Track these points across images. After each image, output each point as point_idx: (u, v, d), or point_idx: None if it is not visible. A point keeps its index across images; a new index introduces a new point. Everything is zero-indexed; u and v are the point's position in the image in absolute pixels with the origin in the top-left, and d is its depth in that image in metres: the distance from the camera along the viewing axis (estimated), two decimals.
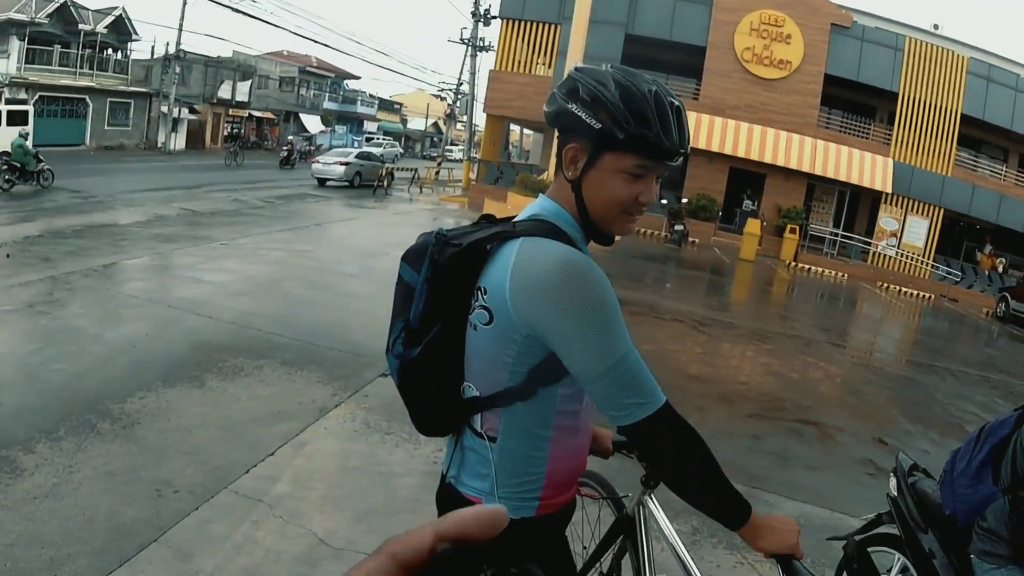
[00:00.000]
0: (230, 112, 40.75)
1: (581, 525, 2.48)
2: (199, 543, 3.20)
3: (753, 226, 21.15)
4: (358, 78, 57.37)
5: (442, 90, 45.68)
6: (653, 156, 1.54)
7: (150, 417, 4.29)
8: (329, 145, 43.65)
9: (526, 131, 44.07)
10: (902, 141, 24.67)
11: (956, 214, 25.45)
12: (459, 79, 39.16)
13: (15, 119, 21.99)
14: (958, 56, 24.65)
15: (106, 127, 31.91)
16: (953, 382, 9.88)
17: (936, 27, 28.10)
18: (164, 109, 33.53)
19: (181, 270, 8.94)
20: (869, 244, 25.25)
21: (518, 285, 1.54)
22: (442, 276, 1.63)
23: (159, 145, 33.53)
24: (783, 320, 12.98)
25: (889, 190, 24.39)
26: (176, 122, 34.50)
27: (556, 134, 1.62)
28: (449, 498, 1.84)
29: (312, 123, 48.91)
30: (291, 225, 14.34)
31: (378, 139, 51.91)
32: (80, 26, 30.19)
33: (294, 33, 71.56)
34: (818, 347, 10.35)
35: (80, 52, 30.58)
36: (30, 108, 24.17)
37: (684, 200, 23.30)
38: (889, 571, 3.35)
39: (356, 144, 42.88)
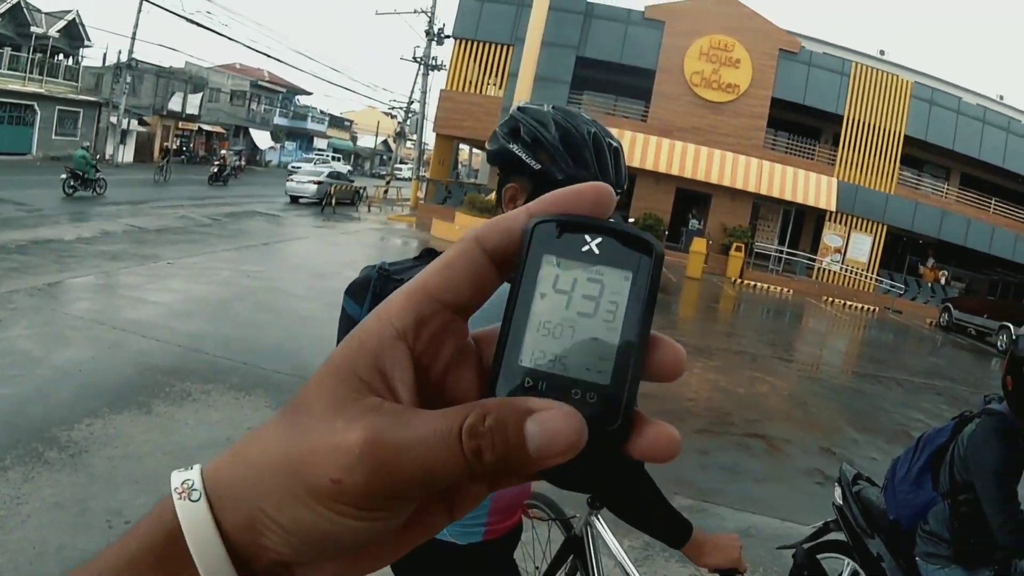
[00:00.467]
0: (179, 125, 39.95)
1: (532, 545, 2.52)
2: None
3: (699, 245, 21.57)
4: (310, 94, 57.04)
5: (393, 108, 45.74)
6: None
7: (98, 444, 4.21)
8: (278, 162, 43.24)
9: (475, 151, 44.21)
10: (846, 161, 25.50)
11: (899, 230, 26.35)
12: (410, 97, 39.12)
13: None
14: (902, 80, 25.68)
15: (54, 136, 30.67)
16: (899, 391, 10.17)
17: (882, 52, 29.28)
18: (113, 120, 32.56)
19: (127, 290, 8.77)
20: (814, 260, 25.99)
21: None
22: None
23: (107, 157, 32.22)
24: (729, 336, 13.20)
25: (833, 208, 25.15)
26: (125, 134, 33.63)
27: (497, 171, 1.65)
28: None
29: (262, 138, 48.42)
30: (239, 244, 14.14)
31: (327, 156, 51.51)
32: (32, 29, 29.21)
33: (247, 47, 70.58)
34: (764, 361, 10.56)
35: (30, 56, 29.40)
36: None
37: (631, 220, 23.58)
38: None
39: (302, 161, 42.81)
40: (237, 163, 33.77)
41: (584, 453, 0.32)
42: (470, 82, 27.36)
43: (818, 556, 3.43)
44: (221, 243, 13.81)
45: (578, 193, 0.37)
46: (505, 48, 26.11)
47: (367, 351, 0.34)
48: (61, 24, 31.01)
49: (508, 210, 1.63)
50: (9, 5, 27.92)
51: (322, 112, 60.77)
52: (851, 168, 25.49)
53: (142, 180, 25.22)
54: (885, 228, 25.74)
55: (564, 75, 24.69)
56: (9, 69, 28.36)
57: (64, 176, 18.40)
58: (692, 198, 25.76)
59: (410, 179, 36.92)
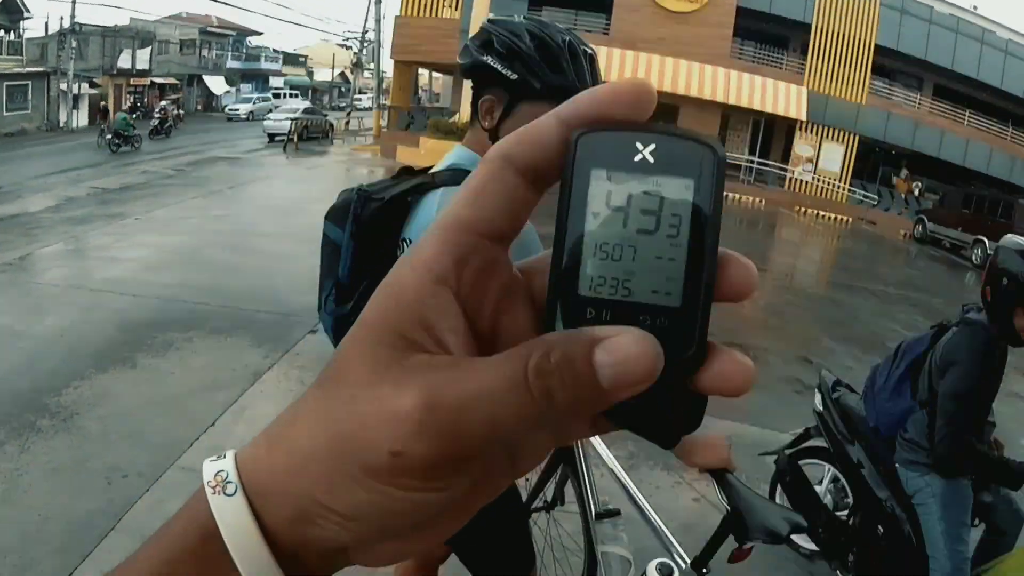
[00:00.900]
0: (131, 82, 38.74)
1: None
2: (155, 525, 3.17)
3: None
4: (260, 34, 55.42)
5: (347, 39, 44.47)
6: None
7: (88, 406, 4.21)
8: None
9: (435, 74, 43.27)
10: (816, 71, 25.15)
11: (872, 140, 26.22)
12: (364, 27, 38.13)
13: None
14: None
15: (4, 113, 29.59)
16: (874, 301, 10.31)
17: None
18: (63, 86, 31.61)
19: (98, 251, 8.62)
20: (785, 170, 25.87)
21: None
22: (366, 231, 1.63)
23: (61, 124, 31.50)
24: None
25: (804, 118, 24.94)
26: (77, 98, 32.62)
27: (471, 85, 1.62)
28: None
29: (216, 84, 47.14)
30: (205, 191, 13.94)
31: (284, 94, 50.16)
32: None
33: None
34: None
35: None
36: None
37: None
38: (820, 482, 3.55)
39: (258, 100, 42.67)
40: (176, 112, 32.74)
41: (659, 384, 0.30)
42: (424, 6, 26.64)
43: (799, 462, 3.51)
44: (187, 192, 13.58)
45: (615, 93, 0.32)
46: None
47: (406, 305, 0.30)
48: None
49: (486, 123, 1.61)
50: None
51: (275, 51, 59.06)
52: (821, 78, 25.16)
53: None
54: (857, 138, 25.60)
55: None
56: None
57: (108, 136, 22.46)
58: (659, 110, 24.81)
59: (370, 109, 36.34)
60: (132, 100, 38.17)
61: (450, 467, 0.29)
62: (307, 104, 32.92)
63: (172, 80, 42.61)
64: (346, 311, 1.69)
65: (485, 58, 1.55)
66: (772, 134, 27.45)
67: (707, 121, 24.73)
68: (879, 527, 2.98)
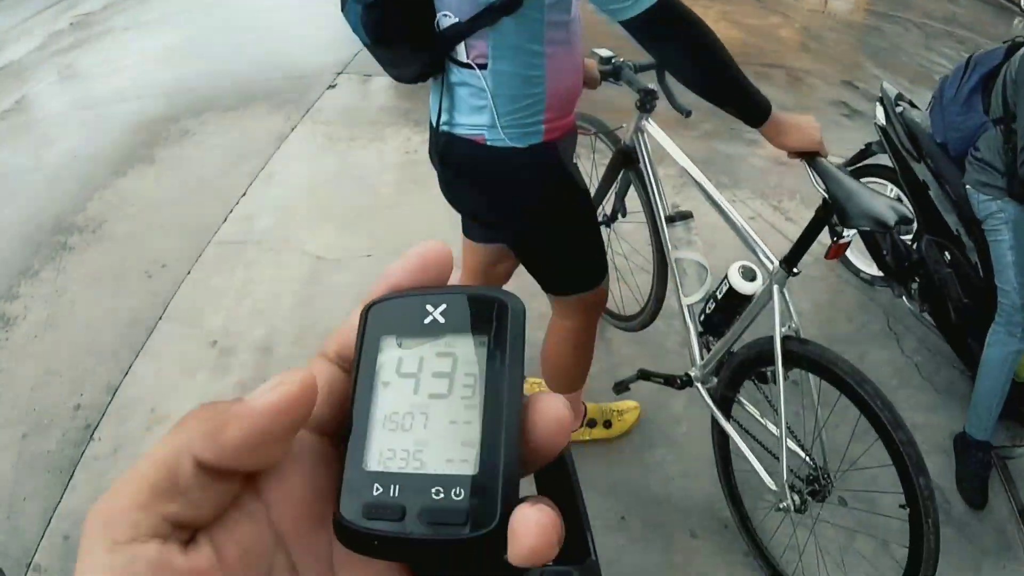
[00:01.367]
0: None
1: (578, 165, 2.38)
2: (202, 305, 3.18)
3: None
4: None
5: None
6: None
7: (114, 211, 4.06)
8: None
9: None
10: None
11: None
12: None
13: None
14: None
15: None
16: (917, 34, 9.50)
17: None
18: None
19: (95, 70, 8.13)
20: None
21: None
22: None
23: None
24: None
25: None
26: None
27: None
28: (447, 146, 1.71)
29: None
30: None
31: None
32: None
33: None
34: None
35: None
36: None
37: None
38: None
39: None
40: None
41: (458, 564, 0.28)
42: None
43: (861, 180, 3.24)
44: None
45: (404, 261, 0.33)
46: None
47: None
48: None
49: None
50: None
51: None
52: None
53: None
54: None
55: None
56: None
57: None
58: None
59: None
60: None
61: None
62: None
63: None
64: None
65: None
66: None
67: None
68: (945, 253, 2.76)
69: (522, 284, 2.40)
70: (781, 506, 1.99)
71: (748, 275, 2.02)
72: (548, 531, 0.27)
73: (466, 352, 0.30)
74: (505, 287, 2.28)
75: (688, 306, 2.21)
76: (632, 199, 2.52)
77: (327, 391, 0.31)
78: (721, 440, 2.26)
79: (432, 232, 3.59)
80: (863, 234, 3.12)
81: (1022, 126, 2.34)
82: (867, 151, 3.19)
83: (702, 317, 2.18)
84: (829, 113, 5.35)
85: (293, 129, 4.78)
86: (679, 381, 2.34)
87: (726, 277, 2.04)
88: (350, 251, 3.51)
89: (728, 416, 2.18)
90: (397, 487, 0.29)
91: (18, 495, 2.46)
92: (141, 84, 6.60)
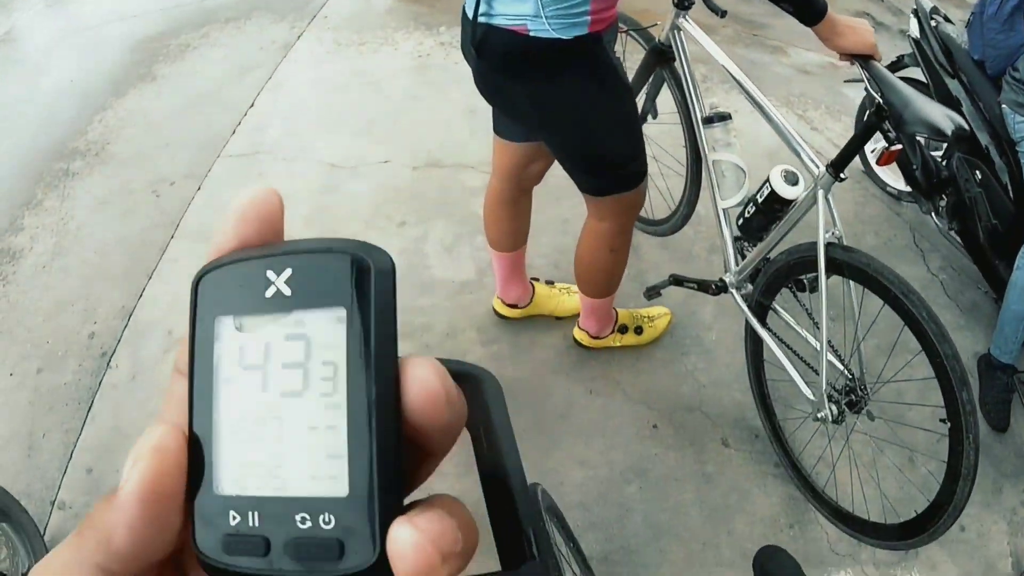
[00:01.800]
0: None
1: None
2: (214, 219, 3.11)
3: None
4: None
5: None
6: None
7: (116, 133, 3.94)
8: None
9: None
10: None
11: None
12: None
13: None
14: None
15: None
16: None
17: None
18: None
19: None
20: None
21: None
22: None
23: None
24: None
25: None
26: None
27: None
28: (484, 37, 1.63)
29: None
30: None
31: None
32: None
33: None
34: None
35: None
36: None
37: None
38: None
39: None
40: None
41: None
42: None
43: None
44: None
45: (230, 217, 0.27)
46: None
47: None
48: None
49: None
50: None
51: None
52: None
53: None
54: None
55: None
56: None
57: None
58: None
59: None
60: None
61: None
62: None
63: None
64: None
65: None
66: None
67: None
68: (976, 172, 2.70)
69: (547, 188, 2.34)
70: (819, 416, 1.97)
71: (791, 179, 1.97)
72: (428, 552, 0.23)
73: (321, 332, 0.24)
74: (535, 188, 2.25)
75: (724, 210, 2.16)
76: (663, 101, 2.44)
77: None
78: (755, 348, 2.22)
79: (450, 136, 3.52)
80: None
81: None
82: (899, 63, 3.11)
83: (740, 222, 2.12)
84: None
85: (299, 37, 4.62)
86: (714, 287, 2.30)
87: (767, 180, 1.98)
88: (366, 158, 3.43)
89: (763, 324, 2.14)
90: (257, 515, 0.25)
91: (37, 432, 2.43)
92: (134, 3, 6.32)
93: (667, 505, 2.24)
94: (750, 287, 2.18)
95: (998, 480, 2.46)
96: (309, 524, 0.24)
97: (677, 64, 2.19)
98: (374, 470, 0.24)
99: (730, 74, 1.99)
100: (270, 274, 0.25)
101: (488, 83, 1.80)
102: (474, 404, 0.31)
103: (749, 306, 2.16)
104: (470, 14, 1.65)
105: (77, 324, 2.75)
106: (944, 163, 2.88)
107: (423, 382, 0.25)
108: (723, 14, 2.09)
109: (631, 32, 2.34)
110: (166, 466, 0.25)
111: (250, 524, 0.25)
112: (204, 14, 5.44)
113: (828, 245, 1.82)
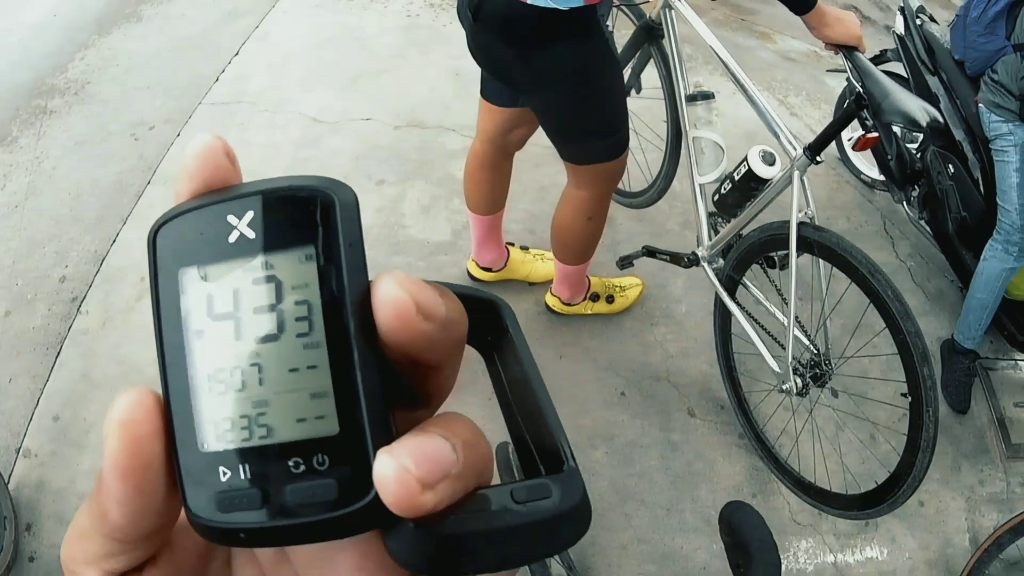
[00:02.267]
0: None
1: None
2: None
3: None
4: None
5: None
6: None
7: (98, 72, 3.86)
8: None
9: None
10: None
11: None
12: None
13: None
14: None
15: None
16: None
17: None
18: None
19: None
20: None
21: None
22: None
23: None
24: None
25: None
26: None
27: None
28: (484, 1, 1.67)
29: None
30: None
31: None
32: None
33: None
34: None
35: None
36: None
37: None
38: None
39: None
40: None
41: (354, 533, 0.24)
42: None
43: None
44: None
45: (182, 168, 0.26)
46: None
47: None
48: None
49: None
50: None
51: None
52: None
53: None
54: None
55: None
56: None
57: None
58: None
59: None
60: None
61: None
62: None
63: None
64: None
65: None
66: None
67: None
68: (949, 166, 2.80)
69: (527, 156, 2.35)
70: (784, 387, 2.03)
71: (768, 159, 2.03)
72: (406, 480, 0.22)
73: (291, 272, 0.24)
74: (517, 153, 2.27)
75: (701, 185, 2.21)
76: (647, 76, 2.47)
77: None
78: (723, 322, 2.28)
79: (434, 97, 3.50)
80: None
81: None
82: (882, 57, 3.19)
83: (715, 198, 2.18)
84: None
85: None
86: (686, 260, 2.35)
87: (745, 159, 2.04)
88: (348, 114, 3.41)
89: (733, 298, 2.20)
90: (247, 467, 0.24)
91: (3, 377, 2.39)
92: None
93: (633, 471, 2.29)
94: (721, 262, 2.24)
95: (957, 459, 2.56)
96: (303, 468, 0.24)
97: (665, 42, 2.22)
98: (362, 404, 0.23)
99: (717, 55, 2.02)
100: (231, 219, 0.24)
101: (482, 46, 1.82)
102: (487, 325, 0.31)
103: (720, 280, 2.21)
104: None
105: (48, 267, 2.71)
106: (919, 155, 2.96)
107: (387, 295, 0.24)
108: None
109: (623, 7, 2.37)
110: (139, 436, 0.24)
111: (242, 478, 0.24)
112: None
113: (800, 224, 1.88)
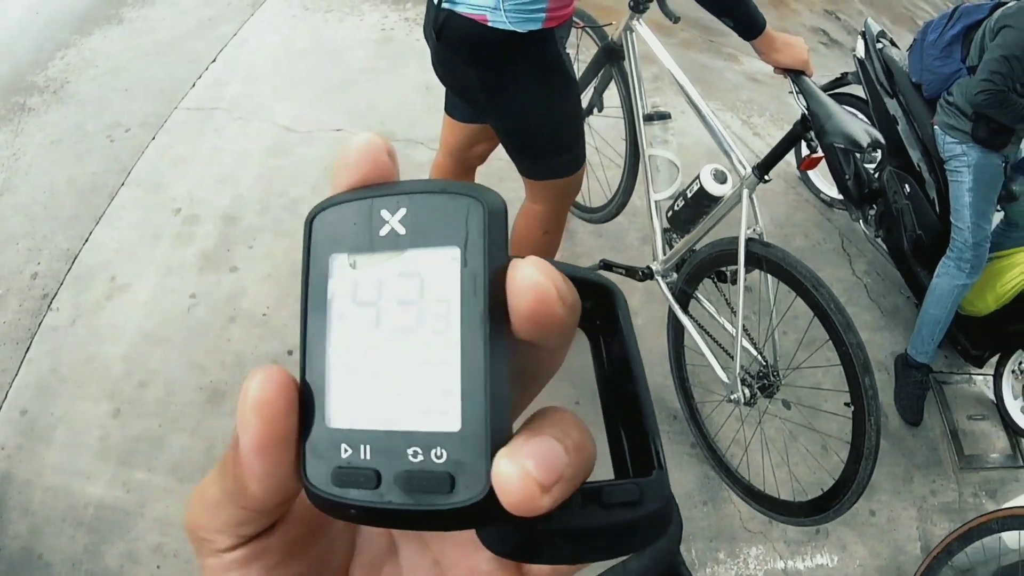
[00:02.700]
0: None
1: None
2: (166, 171, 3.11)
3: None
4: None
5: None
6: None
7: (77, 72, 3.88)
8: None
9: None
10: None
11: None
12: None
13: None
14: None
15: None
16: None
17: None
18: None
19: None
20: None
21: None
22: None
23: None
24: None
25: None
26: None
27: None
28: (446, 22, 1.73)
29: None
30: None
31: None
32: None
33: None
34: None
35: None
36: None
37: None
38: None
39: None
40: None
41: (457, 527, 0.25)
42: None
43: None
44: None
45: (341, 160, 0.27)
46: None
47: None
48: None
49: None
50: None
51: None
52: None
53: None
54: None
55: None
56: None
57: None
58: None
59: None
60: None
61: None
62: None
63: None
64: None
65: None
66: None
67: None
68: (905, 186, 2.91)
69: (491, 170, 2.41)
70: (732, 398, 2.09)
71: (719, 178, 2.11)
72: (528, 484, 0.23)
73: (435, 271, 0.25)
74: (478, 168, 2.32)
75: (656, 202, 2.29)
76: (608, 96, 2.54)
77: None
78: (676, 334, 2.35)
79: (404, 111, 3.55)
80: (828, 157, 3.23)
81: (984, 60, 2.49)
82: (842, 79, 3.29)
83: (669, 214, 2.25)
84: (808, 39, 5.32)
85: None
86: (640, 273, 2.41)
87: (698, 177, 2.11)
88: (320, 124, 3.46)
89: (685, 311, 2.26)
90: (368, 448, 0.25)
91: None
92: None
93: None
94: (675, 276, 2.31)
95: (909, 470, 2.64)
96: (421, 458, 0.24)
97: (626, 63, 2.29)
98: (486, 406, 0.24)
99: (673, 77, 2.10)
100: (384, 213, 0.26)
101: (444, 65, 1.88)
102: (598, 310, 0.31)
103: (673, 293, 2.28)
104: (436, 2, 1.73)
105: (20, 263, 2.73)
106: (876, 175, 3.03)
107: (528, 281, 0.24)
108: (676, 20, 2.19)
109: (587, 28, 2.44)
110: (275, 414, 0.25)
111: (362, 457, 0.25)
112: None
113: (749, 240, 1.95)
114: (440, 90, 2.10)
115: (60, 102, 3.63)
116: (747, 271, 1.97)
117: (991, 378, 2.91)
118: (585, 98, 2.62)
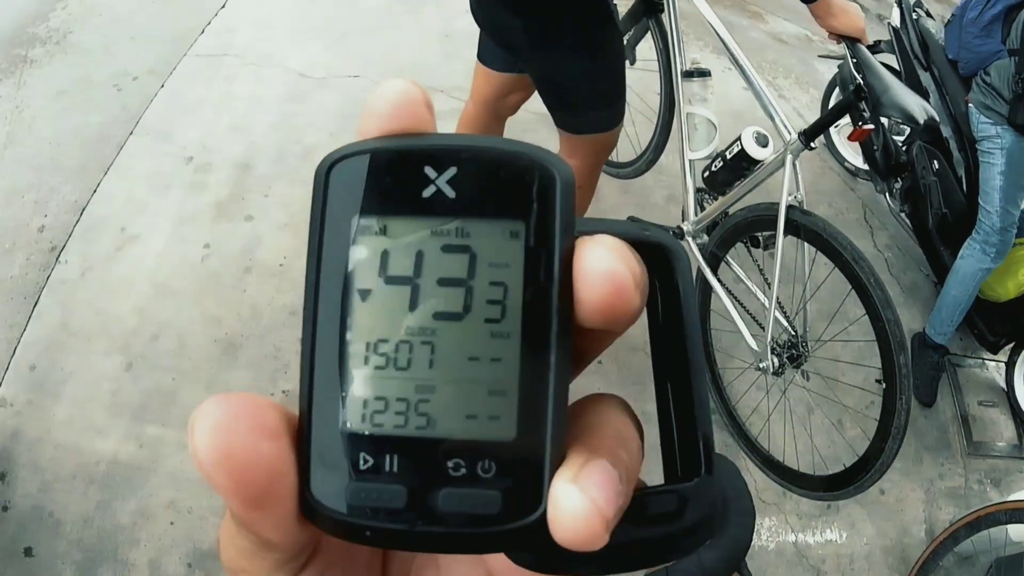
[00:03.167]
0: None
1: None
2: (176, 118, 3.03)
3: None
4: None
5: None
6: None
7: (80, 21, 3.75)
8: None
9: None
10: None
11: None
12: None
13: None
14: None
15: None
16: None
17: None
18: None
19: None
20: None
21: None
22: None
23: None
24: None
25: None
26: None
27: None
28: None
29: None
30: None
31: None
32: None
33: None
34: None
35: None
36: None
37: None
38: None
39: None
40: None
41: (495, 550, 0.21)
42: None
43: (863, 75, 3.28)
44: None
45: (372, 109, 0.21)
46: None
47: None
48: None
49: None
50: None
51: None
52: None
53: None
54: None
55: None
56: None
57: None
58: None
59: None
60: None
61: None
62: None
63: None
64: None
65: None
66: None
67: None
68: (934, 162, 2.85)
69: (516, 120, 2.33)
70: (761, 366, 2.05)
71: (761, 141, 2.05)
72: (595, 519, 0.19)
73: (491, 246, 0.21)
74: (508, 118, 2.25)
75: (691, 161, 2.23)
76: (642, 48, 2.48)
77: None
78: (702, 298, 2.31)
79: (423, 58, 3.45)
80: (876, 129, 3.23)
81: None
82: (875, 48, 3.20)
83: (705, 174, 2.20)
84: None
85: None
86: (671, 233, 2.36)
87: (739, 139, 2.05)
88: (336, 70, 3.37)
89: (715, 274, 2.22)
90: (395, 459, 0.21)
91: None
92: None
93: None
94: (706, 238, 2.26)
95: (920, 451, 2.61)
96: (464, 472, 0.21)
97: (665, 16, 2.22)
98: (549, 413, 0.20)
99: (718, 36, 2.04)
100: (429, 171, 0.21)
101: (486, 9, 1.81)
102: (655, 278, 0.26)
103: (703, 255, 2.23)
104: None
105: (27, 216, 2.66)
106: (904, 148, 2.99)
107: (604, 269, 0.21)
108: None
109: None
110: (259, 469, 0.20)
111: (386, 470, 0.21)
112: None
113: (789, 207, 1.90)
114: (461, 36, 2.03)
115: (63, 52, 3.51)
116: (784, 238, 1.92)
117: (1003, 365, 2.89)
118: None
